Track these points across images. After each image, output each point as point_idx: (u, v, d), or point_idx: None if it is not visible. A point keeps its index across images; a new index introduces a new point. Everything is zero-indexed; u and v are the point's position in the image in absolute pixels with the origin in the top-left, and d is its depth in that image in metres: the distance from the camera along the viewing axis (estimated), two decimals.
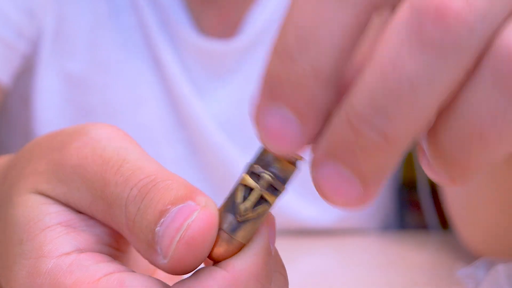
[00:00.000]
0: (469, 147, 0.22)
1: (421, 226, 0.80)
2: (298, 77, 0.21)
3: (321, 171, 0.22)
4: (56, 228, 0.26)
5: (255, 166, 0.25)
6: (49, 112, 0.72)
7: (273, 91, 0.22)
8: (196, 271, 0.26)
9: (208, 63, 0.72)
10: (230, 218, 0.25)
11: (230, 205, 0.26)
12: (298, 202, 0.71)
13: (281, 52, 0.22)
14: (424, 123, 0.21)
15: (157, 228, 0.24)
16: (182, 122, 0.72)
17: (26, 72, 0.72)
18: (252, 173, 0.25)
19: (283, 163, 0.25)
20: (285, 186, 0.25)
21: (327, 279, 0.50)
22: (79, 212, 0.27)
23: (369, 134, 0.21)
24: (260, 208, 0.25)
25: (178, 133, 0.72)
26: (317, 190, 0.23)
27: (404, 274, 0.50)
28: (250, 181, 0.25)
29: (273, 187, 0.25)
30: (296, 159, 0.26)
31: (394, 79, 0.21)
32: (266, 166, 0.25)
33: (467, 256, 0.54)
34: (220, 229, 0.25)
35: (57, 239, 0.26)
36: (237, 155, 0.72)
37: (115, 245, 0.27)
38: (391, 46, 0.21)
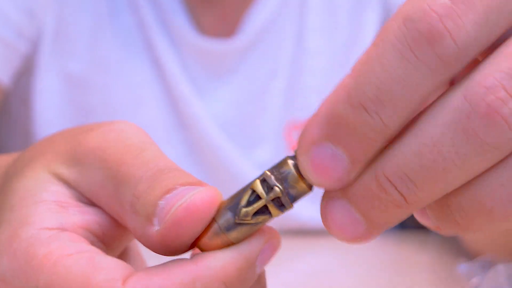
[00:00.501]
0: (474, 217, 0.23)
1: (421, 226, 0.80)
2: (366, 128, 0.22)
3: (332, 204, 0.24)
4: (49, 205, 0.26)
5: (270, 175, 0.25)
6: (49, 113, 0.72)
7: (335, 131, 0.23)
8: (170, 261, 0.26)
9: (208, 63, 0.72)
10: (228, 216, 0.25)
11: (232, 204, 0.25)
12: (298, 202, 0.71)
13: (356, 100, 0.22)
14: (445, 193, 0.23)
15: (161, 202, 0.25)
16: (182, 122, 0.72)
17: (26, 72, 0.72)
18: (264, 181, 0.25)
19: (299, 183, 0.25)
20: (293, 204, 0.25)
21: (327, 279, 0.50)
22: (84, 198, 0.27)
23: (392, 194, 0.23)
24: (261, 218, 0.25)
25: (178, 133, 0.72)
26: (322, 218, 0.24)
27: (404, 274, 0.50)
28: (260, 189, 0.25)
29: (281, 202, 0.25)
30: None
31: (429, 160, 0.22)
32: (281, 180, 0.25)
33: (467, 256, 0.54)
34: (215, 221, 0.25)
35: (45, 213, 0.26)
36: (236, 154, 0.72)
37: (102, 237, 0.28)
38: (435, 128, 0.22)
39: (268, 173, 0.25)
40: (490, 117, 0.22)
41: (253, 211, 0.25)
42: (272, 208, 0.25)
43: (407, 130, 0.23)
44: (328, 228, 0.24)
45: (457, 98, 0.22)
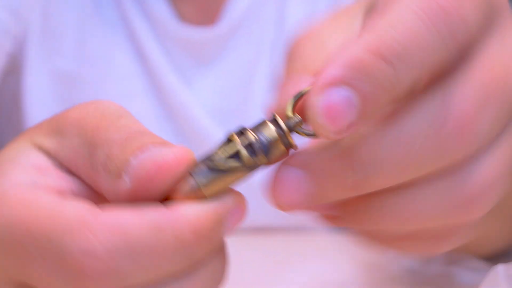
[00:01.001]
0: (387, 219, 0.26)
1: None
2: (382, 77, 0.23)
3: (287, 170, 0.26)
4: (26, 167, 0.27)
5: (247, 129, 0.26)
6: (39, 110, 0.72)
7: (353, 76, 0.23)
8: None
9: (192, 51, 0.73)
10: (201, 166, 0.26)
11: (206, 155, 0.26)
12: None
13: (377, 49, 0.23)
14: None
15: (132, 159, 0.25)
16: (170, 112, 0.73)
17: (15, 71, 0.72)
18: (240, 133, 0.26)
19: (276, 142, 0.26)
20: (267, 159, 0.26)
21: (326, 279, 0.50)
22: (63, 167, 0.28)
23: (349, 177, 0.25)
24: (232, 162, 0.25)
25: (168, 123, 0.73)
26: (271, 181, 0.26)
27: (403, 274, 0.50)
28: (235, 136, 0.26)
29: (253, 149, 0.26)
30: (291, 146, 0.26)
31: (396, 154, 0.25)
32: (256, 132, 0.26)
33: (467, 256, 0.54)
34: (189, 174, 0.26)
35: (20, 172, 0.27)
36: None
37: None
38: (410, 127, 0.24)
39: (247, 128, 0.26)
40: (460, 130, 0.24)
41: (226, 155, 0.26)
42: (243, 154, 0.25)
43: (386, 122, 0.24)
44: (273, 189, 0.26)
45: (435, 103, 0.24)
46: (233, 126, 0.77)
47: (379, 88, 0.23)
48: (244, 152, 0.26)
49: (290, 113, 0.26)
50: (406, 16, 0.24)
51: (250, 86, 0.74)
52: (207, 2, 0.73)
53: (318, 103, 0.24)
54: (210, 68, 0.73)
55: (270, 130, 0.26)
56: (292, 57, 0.30)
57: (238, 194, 0.27)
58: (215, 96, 0.74)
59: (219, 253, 0.27)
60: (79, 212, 0.24)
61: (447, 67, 0.25)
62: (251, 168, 0.26)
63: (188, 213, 0.25)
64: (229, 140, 0.26)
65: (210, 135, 0.72)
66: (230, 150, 0.26)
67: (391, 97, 0.24)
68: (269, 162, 0.26)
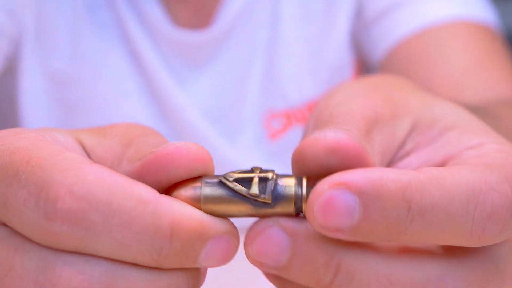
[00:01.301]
0: None
1: None
2: (397, 219, 0.24)
3: (270, 231, 0.25)
4: (54, 142, 0.27)
5: (273, 171, 0.26)
6: (35, 111, 0.72)
7: (370, 193, 0.23)
8: None
9: (185, 54, 0.73)
10: (213, 179, 0.26)
11: (224, 173, 0.26)
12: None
13: (411, 196, 0.24)
14: None
15: (153, 149, 0.25)
16: (164, 114, 0.73)
17: (11, 72, 0.72)
18: (264, 170, 0.26)
19: (289, 197, 0.25)
20: (272, 203, 0.25)
21: None
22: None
23: (325, 279, 0.25)
24: (239, 186, 0.25)
25: (162, 125, 0.73)
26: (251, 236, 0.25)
27: None
28: (257, 168, 0.26)
29: (265, 188, 0.25)
30: (301, 211, 0.26)
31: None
32: (278, 178, 0.26)
33: None
34: (199, 181, 0.25)
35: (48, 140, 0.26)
36: (221, 142, 0.73)
37: None
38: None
39: (275, 172, 0.26)
40: None
41: (239, 176, 0.25)
42: (254, 185, 0.25)
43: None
44: (256, 240, 0.25)
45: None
46: (226, 129, 0.77)
47: (383, 220, 0.23)
48: (255, 181, 0.25)
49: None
50: (458, 180, 0.24)
51: (243, 88, 0.75)
52: (201, 5, 0.74)
53: (324, 192, 0.24)
54: (204, 70, 0.74)
55: (290, 185, 0.25)
56: (318, 108, 0.30)
57: (234, 227, 0.26)
58: (209, 97, 0.74)
59: (190, 275, 0.25)
60: (79, 157, 0.24)
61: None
62: (253, 201, 0.25)
63: (175, 208, 0.24)
64: (252, 170, 0.26)
65: (204, 135, 0.72)
66: (245, 174, 0.26)
67: (388, 236, 0.24)
68: (272, 209, 0.25)
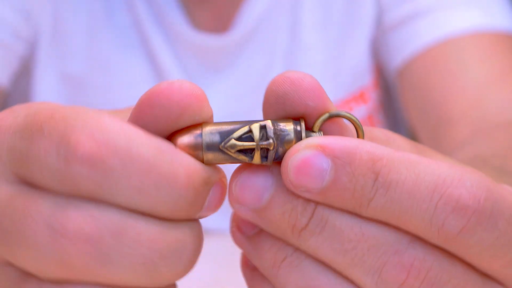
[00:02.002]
0: None
1: None
2: (358, 185, 0.25)
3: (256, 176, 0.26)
4: None
5: (271, 126, 0.26)
6: None
7: (336, 154, 0.25)
8: None
9: (203, 59, 0.72)
10: (215, 138, 0.26)
11: (224, 131, 0.26)
12: None
13: (379, 168, 0.25)
14: None
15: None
16: None
17: (25, 74, 0.72)
18: (263, 128, 0.26)
19: (289, 146, 0.26)
20: (273, 163, 0.26)
21: None
22: None
23: (300, 220, 0.26)
24: (241, 156, 0.26)
25: None
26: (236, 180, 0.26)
27: None
28: (256, 132, 0.26)
29: (266, 153, 0.26)
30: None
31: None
32: (277, 135, 0.26)
33: None
34: (201, 137, 0.26)
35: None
36: None
37: None
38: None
39: (270, 123, 0.26)
40: None
41: (240, 147, 0.26)
42: (256, 154, 0.26)
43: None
44: (241, 185, 0.26)
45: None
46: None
47: (350, 186, 0.25)
48: (257, 154, 0.26)
49: (316, 128, 0.27)
50: (432, 169, 0.25)
51: (260, 94, 0.73)
52: (221, 9, 0.73)
53: (300, 151, 0.25)
54: (222, 75, 0.73)
55: (290, 137, 0.26)
56: None
57: (223, 174, 0.27)
58: (226, 103, 0.73)
59: (196, 231, 0.26)
60: (101, 112, 0.24)
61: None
62: (254, 163, 0.26)
63: (189, 158, 0.24)
64: (250, 130, 0.26)
65: None
66: (247, 145, 0.26)
67: (353, 206, 0.25)
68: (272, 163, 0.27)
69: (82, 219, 0.23)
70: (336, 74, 0.75)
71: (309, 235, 0.25)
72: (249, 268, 0.29)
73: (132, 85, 0.72)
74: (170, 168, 0.24)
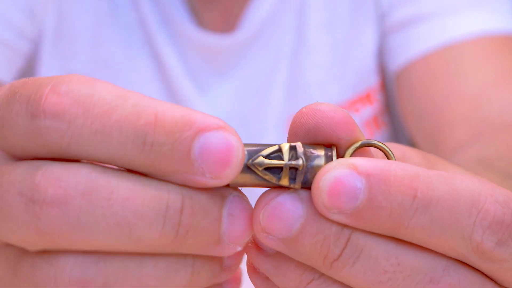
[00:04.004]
0: None
1: None
2: (399, 208, 0.24)
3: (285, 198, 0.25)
4: None
5: (302, 147, 0.25)
6: None
7: (370, 172, 0.24)
8: None
9: (209, 58, 0.72)
10: (244, 153, 0.25)
11: (252, 150, 0.25)
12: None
13: (420, 191, 0.24)
14: None
15: None
16: None
17: (30, 72, 0.72)
18: (293, 148, 0.25)
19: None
20: (300, 186, 0.25)
21: None
22: None
23: (334, 250, 0.25)
24: (268, 176, 0.25)
25: None
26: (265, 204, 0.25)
27: None
28: (286, 151, 0.25)
29: (295, 175, 0.25)
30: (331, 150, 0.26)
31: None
32: (307, 158, 0.25)
33: None
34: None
35: None
36: None
37: None
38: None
39: (300, 144, 0.25)
40: None
41: (269, 165, 0.25)
42: (284, 174, 0.25)
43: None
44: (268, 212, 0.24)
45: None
46: (247, 136, 0.77)
47: (387, 204, 0.23)
48: (285, 173, 0.25)
49: (347, 156, 0.26)
50: (466, 184, 0.24)
51: (267, 93, 0.74)
52: (227, 9, 0.73)
53: (331, 170, 0.24)
54: (228, 75, 0.73)
55: (320, 162, 0.25)
56: None
57: (231, 128, 0.25)
58: (230, 103, 0.73)
59: (184, 193, 0.24)
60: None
61: None
62: (281, 186, 0.25)
63: (158, 101, 0.23)
64: (279, 149, 0.25)
65: None
66: (275, 163, 0.25)
67: (390, 227, 0.24)
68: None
69: (49, 183, 0.23)
70: (342, 75, 0.74)
71: (342, 266, 0.24)
72: (260, 275, 0.27)
73: (137, 84, 0.72)
74: (134, 109, 0.23)
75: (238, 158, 0.23)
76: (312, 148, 0.25)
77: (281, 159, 0.25)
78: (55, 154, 0.23)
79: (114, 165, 0.23)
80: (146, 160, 0.23)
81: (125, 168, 0.24)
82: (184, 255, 0.24)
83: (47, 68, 0.71)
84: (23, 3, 0.69)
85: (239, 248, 0.24)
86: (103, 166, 0.23)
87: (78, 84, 0.23)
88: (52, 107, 0.23)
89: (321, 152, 0.25)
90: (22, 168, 0.23)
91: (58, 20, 0.71)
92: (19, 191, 0.23)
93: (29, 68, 0.72)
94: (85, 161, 0.24)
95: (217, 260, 0.25)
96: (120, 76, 0.72)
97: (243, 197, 0.24)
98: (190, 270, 0.24)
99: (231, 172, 0.23)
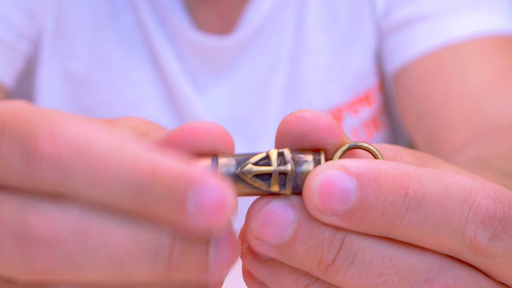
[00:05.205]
0: None
1: None
2: (393, 207, 0.24)
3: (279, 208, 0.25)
4: None
5: (290, 153, 0.25)
6: None
7: (360, 172, 0.24)
8: None
9: (207, 60, 0.72)
10: (232, 163, 0.25)
11: (241, 158, 0.25)
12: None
13: (412, 191, 0.24)
14: None
15: None
16: (182, 119, 0.72)
17: (29, 73, 0.72)
18: (281, 154, 0.25)
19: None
20: (291, 192, 0.25)
21: None
22: None
23: (328, 254, 0.25)
24: (258, 183, 0.25)
25: None
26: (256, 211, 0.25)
27: None
28: (274, 157, 0.25)
29: (284, 180, 0.25)
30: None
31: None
32: (295, 163, 0.25)
33: None
34: (217, 163, 0.25)
35: None
36: (236, 150, 0.70)
37: None
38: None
39: (288, 150, 0.25)
40: None
41: (258, 172, 0.25)
42: (273, 180, 0.25)
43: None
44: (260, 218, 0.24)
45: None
46: (245, 137, 0.77)
47: (379, 203, 0.24)
48: (275, 179, 0.25)
49: (335, 159, 0.26)
50: (457, 180, 0.24)
51: (265, 94, 0.73)
52: (225, 10, 0.72)
53: (322, 172, 0.24)
54: (225, 76, 0.73)
55: (309, 166, 0.25)
56: None
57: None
58: (228, 104, 0.73)
59: (175, 235, 0.24)
60: (66, 112, 0.24)
61: None
62: (272, 193, 0.25)
63: (157, 153, 0.23)
64: (267, 156, 0.25)
65: None
66: (264, 169, 0.25)
67: (383, 226, 0.24)
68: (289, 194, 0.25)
69: (42, 223, 0.23)
70: (341, 76, 0.74)
71: (337, 270, 0.24)
72: (256, 281, 0.27)
73: (135, 85, 0.72)
74: (132, 159, 0.23)
75: (231, 210, 0.23)
76: (300, 153, 0.25)
77: (270, 165, 0.25)
78: (49, 193, 0.23)
79: (105, 208, 0.23)
80: (141, 209, 0.23)
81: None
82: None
83: (46, 69, 0.71)
84: (23, 3, 0.69)
85: (224, 275, 0.24)
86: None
87: (76, 130, 0.23)
88: (49, 155, 0.23)
89: (309, 157, 0.25)
90: (13, 204, 0.23)
91: (57, 21, 0.71)
92: (10, 229, 0.23)
93: (28, 69, 0.72)
94: None
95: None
96: (118, 77, 0.72)
97: (227, 223, 0.24)
98: None
99: (223, 223, 0.23)
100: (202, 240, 0.24)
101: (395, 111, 0.77)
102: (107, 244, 0.23)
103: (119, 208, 0.23)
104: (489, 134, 0.60)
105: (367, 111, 0.75)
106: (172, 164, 0.23)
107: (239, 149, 0.71)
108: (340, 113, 0.74)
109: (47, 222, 0.23)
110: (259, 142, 0.73)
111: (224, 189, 0.23)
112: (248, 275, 0.27)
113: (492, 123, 0.62)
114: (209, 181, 0.23)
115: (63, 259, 0.23)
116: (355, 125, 0.75)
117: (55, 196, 0.23)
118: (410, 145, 0.78)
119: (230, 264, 0.24)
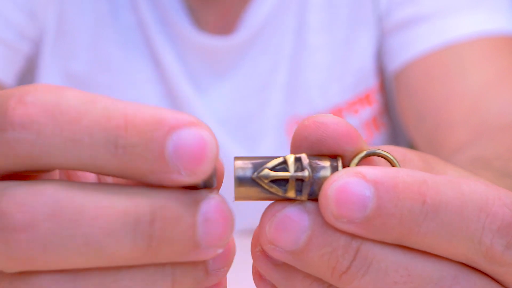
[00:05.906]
0: None
1: None
2: (411, 215, 0.24)
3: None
4: None
5: (307, 158, 0.25)
6: None
7: (378, 180, 0.24)
8: None
9: (207, 60, 0.72)
10: (248, 170, 0.25)
11: (257, 162, 0.25)
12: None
13: (430, 200, 0.24)
14: None
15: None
16: None
17: (30, 72, 0.72)
18: (298, 160, 0.25)
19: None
20: (307, 198, 0.25)
21: None
22: None
23: (342, 262, 0.24)
24: (274, 188, 0.25)
25: None
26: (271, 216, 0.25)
27: None
28: (291, 162, 0.25)
29: (301, 186, 0.25)
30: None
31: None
32: (313, 169, 0.25)
33: None
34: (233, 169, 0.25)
35: None
36: (236, 151, 0.72)
37: None
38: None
39: (305, 155, 0.25)
40: None
41: (274, 177, 0.24)
42: (290, 186, 0.24)
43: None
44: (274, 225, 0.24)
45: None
46: (246, 137, 0.77)
47: (397, 211, 0.23)
48: (291, 185, 0.25)
49: (353, 166, 0.25)
50: (473, 188, 0.24)
51: (266, 95, 0.74)
52: (227, 11, 0.73)
53: (339, 179, 0.24)
54: (226, 77, 0.73)
55: (326, 173, 0.25)
56: None
57: (204, 124, 0.24)
58: (228, 105, 0.73)
59: (158, 200, 0.23)
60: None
61: None
62: (287, 198, 0.25)
63: (128, 103, 0.23)
64: (285, 161, 0.25)
65: (221, 144, 0.70)
66: (281, 175, 0.25)
67: (401, 234, 0.24)
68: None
69: (14, 208, 0.22)
70: (342, 76, 0.74)
71: (351, 278, 0.24)
72: (267, 283, 0.27)
73: (136, 85, 0.72)
74: (103, 112, 0.22)
75: (212, 152, 0.23)
76: (318, 159, 0.25)
77: (287, 171, 0.25)
78: (26, 166, 0.23)
79: (88, 171, 0.23)
80: (120, 163, 0.22)
81: (98, 175, 0.23)
82: (162, 264, 0.24)
83: (47, 69, 0.71)
84: (24, 3, 0.69)
85: (219, 251, 0.23)
86: (70, 182, 0.23)
87: (44, 93, 0.23)
88: (19, 118, 0.22)
89: (326, 163, 0.25)
90: None
91: (58, 21, 0.71)
92: None
93: (29, 68, 0.72)
94: (57, 173, 0.25)
95: (201, 265, 0.24)
96: (119, 77, 0.72)
97: (219, 199, 0.24)
98: (170, 279, 0.24)
99: (206, 167, 0.23)
100: (187, 211, 0.23)
101: (396, 111, 0.77)
102: (82, 224, 0.22)
103: (97, 167, 0.22)
104: (489, 134, 0.60)
105: (367, 111, 0.76)
106: (145, 111, 0.22)
107: (239, 149, 0.71)
108: (340, 113, 0.74)
109: (19, 207, 0.22)
110: (260, 142, 0.73)
111: (203, 130, 0.23)
112: (259, 277, 0.27)
113: (492, 123, 0.62)
114: (186, 124, 0.23)
115: (39, 244, 0.22)
116: (355, 125, 0.75)
117: (29, 174, 0.23)
118: (410, 145, 0.78)
119: (222, 238, 0.23)
